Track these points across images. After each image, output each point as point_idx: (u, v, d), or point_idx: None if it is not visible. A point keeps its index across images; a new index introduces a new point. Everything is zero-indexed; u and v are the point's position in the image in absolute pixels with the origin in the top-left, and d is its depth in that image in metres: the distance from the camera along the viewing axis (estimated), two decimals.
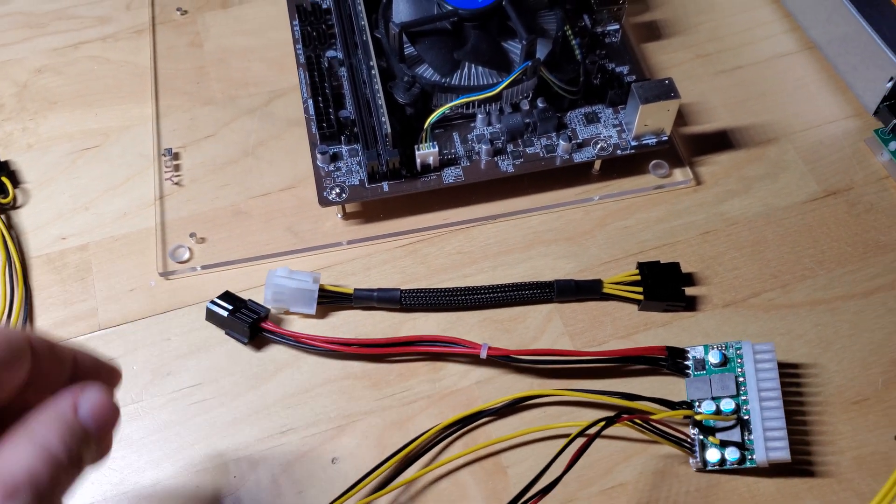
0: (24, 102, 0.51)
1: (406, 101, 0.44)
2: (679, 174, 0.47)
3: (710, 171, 0.48)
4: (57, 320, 0.44)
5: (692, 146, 0.49)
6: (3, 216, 0.46)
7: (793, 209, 0.46)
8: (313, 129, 0.46)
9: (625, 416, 0.36)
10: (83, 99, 0.51)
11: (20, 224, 0.47)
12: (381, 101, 0.43)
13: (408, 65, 0.45)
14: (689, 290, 0.44)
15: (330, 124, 0.45)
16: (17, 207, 0.47)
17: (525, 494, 0.33)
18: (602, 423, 0.35)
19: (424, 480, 0.39)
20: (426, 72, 0.45)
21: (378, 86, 0.44)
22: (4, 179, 0.47)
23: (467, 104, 0.45)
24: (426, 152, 0.44)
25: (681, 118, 0.49)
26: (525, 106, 0.46)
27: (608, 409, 0.40)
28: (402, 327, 0.43)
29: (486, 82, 0.45)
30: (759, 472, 0.38)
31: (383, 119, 0.43)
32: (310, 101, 0.47)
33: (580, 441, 0.35)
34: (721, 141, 0.49)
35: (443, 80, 0.45)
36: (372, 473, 0.38)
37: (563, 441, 0.36)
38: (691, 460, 0.39)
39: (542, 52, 0.45)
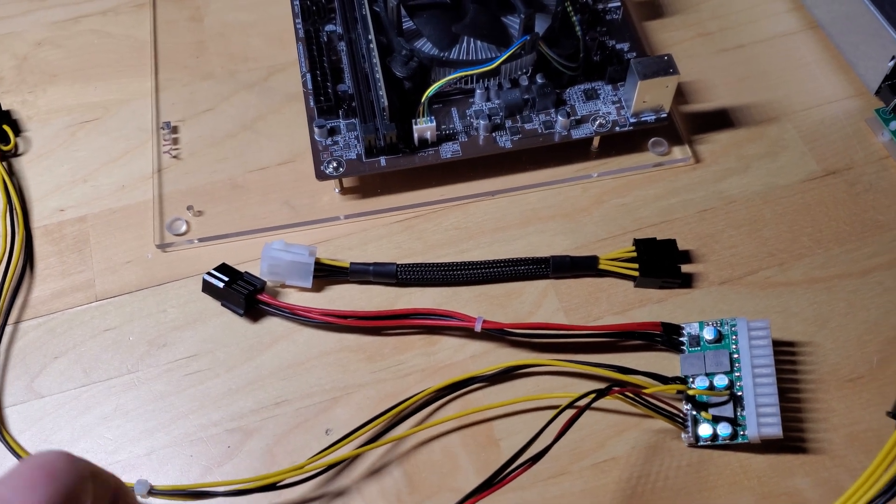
0: (24, 75, 0.51)
1: (404, 74, 0.44)
2: (678, 152, 0.47)
3: (709, 150, 0.48)
4: (55, 291, 0.44)
5: (692, 124, 0.48)
6: (4, 163, 0.47)
7: (792, 188, 0.46)
8: (311, 104, 0.46)
9: (616, 388, 0.36)
10: (83, 72, 0.51)
11: (20, 172, 0.47)
12: (379, 75, 0.43)
13: (406, 39, 0.45)
14: (685, 268, 0.44)
15: (328, 98, 0.45)
16: (19, 155, 0.48)
17: (514, 462, 0.33)
18: (593, 395, 0.35)
19: (414, 441, 0.39)
20: (424, 46, 0.45)
21: (376, 60, 0.44)
22: (6, 127, 0.48)
23: (466, 79, 0.45)
24: (424, 127, 0.44)
25: (681, 96, 0.49)
26: (524, 82, 0.46)
27: (601, 382, 0.40)
28: (398, 302, 0.43)
29: (484, 57, 0.44)
30: (751, 447, 0.38)
31: (381, 93, 0.43)
32: (308, 75, 0.47)
33: (570, 413, 0.35)
34: (721, 119, 0.49)
35: (441, 55, 0.44)
36: (361, 429, 0.38)
37: (555, 412, 0.36)
38: (683, 435, 0.39)
39: (541, 27, 0.45)
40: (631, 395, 0.37)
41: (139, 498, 0.36)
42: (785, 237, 0.45)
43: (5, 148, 0.48)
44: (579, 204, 0.46)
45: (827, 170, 0.47)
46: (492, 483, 0.33)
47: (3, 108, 0.49)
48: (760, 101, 0.49)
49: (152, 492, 0.36)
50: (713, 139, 0.48)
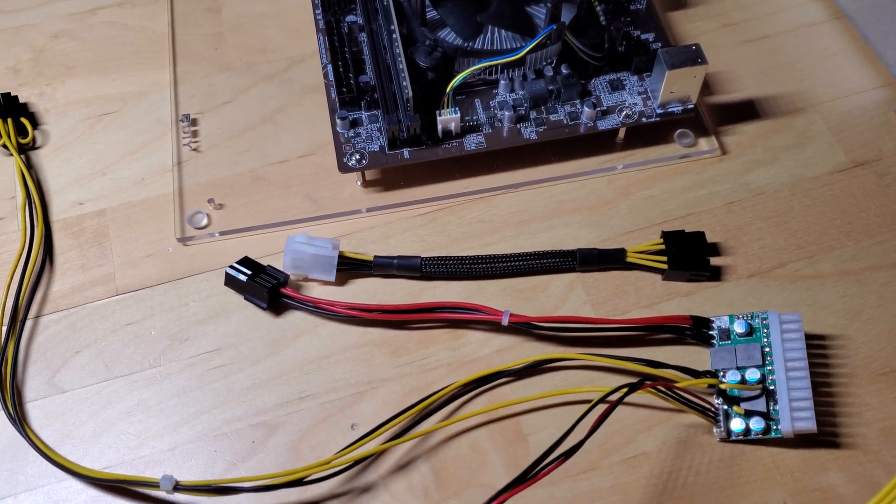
0: (41, 67, 0.51)
1: (427, 65, 0.43)
2: (704, 143, 0.46)
3: (735, 141, 0.47)
4: (75, 285, 0.43)
5: (718, 116, 0.48)
6: (23, 156, 0.47)
7: (820, 180, 0.45)
8: (332, 95, 0.46)
9: (648, 382, 0.36)
10: (100, 65, 0.51)
11: (38, 165, 0.47)
12: (403, 66, 0.43)
13: (429, 28, 0.44)
14: (713, 261, 0.43)
15: (350, 89, 0.45)
16: (37, 148, 0.48)
17: (546, 458, 0.32)
18: (625, 390, 0.35)
19: (441, 436, 0.39)
20: (448, 35, 0.44)
21: (399, 50, 0.43)
22: (24, 120, 0.48)
23: (490, 70, 0.45)
24: (448, 118, 0.43)
25: (706, 87, 0.49)
26: (549, 72, 0.45)
27: (631, 376, 0.39)
28: (422, 296, 0.43)
29: (509, 46, 0.44)
30: (783, 442, 0.38)
31: (404, 83, 0.42)
32: (329, 66, 0.46)
33: (602, 407, 0.34)
34: (747, 111, 0.48)
35: (465, 44, 0.44)
36: (387, 424, 0.37)
37: (585, 407, 0.35)
38: (715, 430, 0.38)
39: (566, 16, 0.44)
40: (663, 388, 0.37)
41: (164, 494, 0.36)
42: (814, 229, 0.44)
43: (23, 141, 0.47)
44: (605, 196, 0.45)
45: (855, 161, 0.46)
46: (525, 479, 0.32)
47: (21, 101, 0.49)
48: (786, 92, 0.49)
49: (178, 487, 0.35)
50: (739, 131, 0.47)
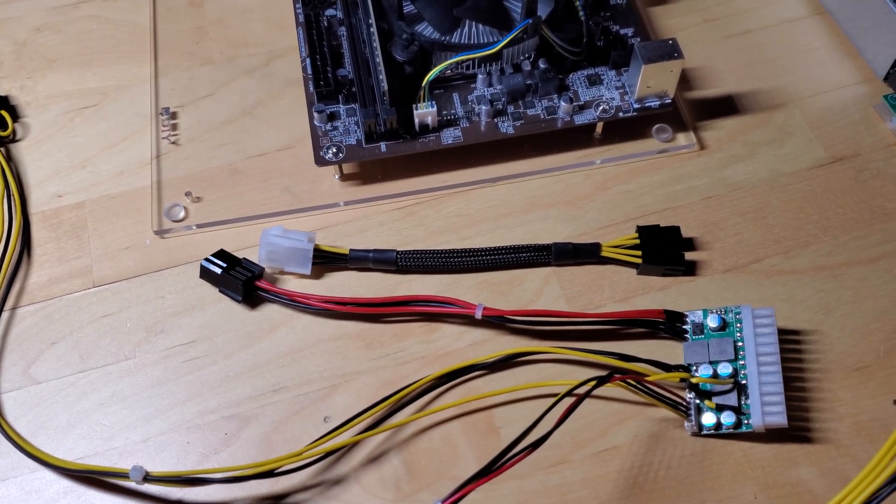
0: (23, 61, 0.51)
1: (405, 58, 0.43)
2: (682, 138, 0.46)
3: (714, 136, 0.47)
4: (52, 277, 0.44)
5: (697, 111, 0.48)
6: (2, 149, 0.47)
7: (798, 175, 0.45)
8: (311, 88, 0.46)
9: (618, 375, 0.36)
10: (82, 58, 0.51)
11: (18, 158, 0.47)
12: (380, 59, 0.43)
13: (407, 22, 0.44)
14: (689, 255, 0.43)
15: (328, 83, 0.45)
16: (17, 141, 0.48)
17: (513, 449, 0.32)
18: (594, 382, 0.35)
19: (414, 428, 0.39)
20: (426, 30, 0.44)
21: (377, 44, 0.43)
22: (4, 113, 0.48)
23: (467, 64, 0.45)
24: (424, 112, 0.43)
25: (686, 82, 0.49)
26: (526, 66, 0.45)
27: (603, 369, 0.39)
28: (398, 289, 0.43)
29: (486, 41, 0.44)
30: (755, 437, 0.38)
31: (381, 77, 0.43)
32: (308, 60, 0.46)
33: (570, 400, 0.34)
34: (726, 106, 0.48)
35: (442, 38, 0.44)
36: (360, 416, 0.37)
37: (555, 399, 0.35)
38: (686, 424, 0.38)
39: (543, 10, 0.44)
40: (633, 382, 0.37)
41: (134, 484, 0.36)
42: (791, 224, 0.44)
43: (3, 133, 0.47)
44: (582, 191, 0.45)
45: (834, 156, 0.46)
46: (490, 469, 0.32)
47: (2, 94, 0.49)
48: (767, 88, 0.49)
49: (147, 478, 0.35)
50: (718, 126, 0.47)
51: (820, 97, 0.48)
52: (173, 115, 0.48)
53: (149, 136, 0.48)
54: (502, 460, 0.33)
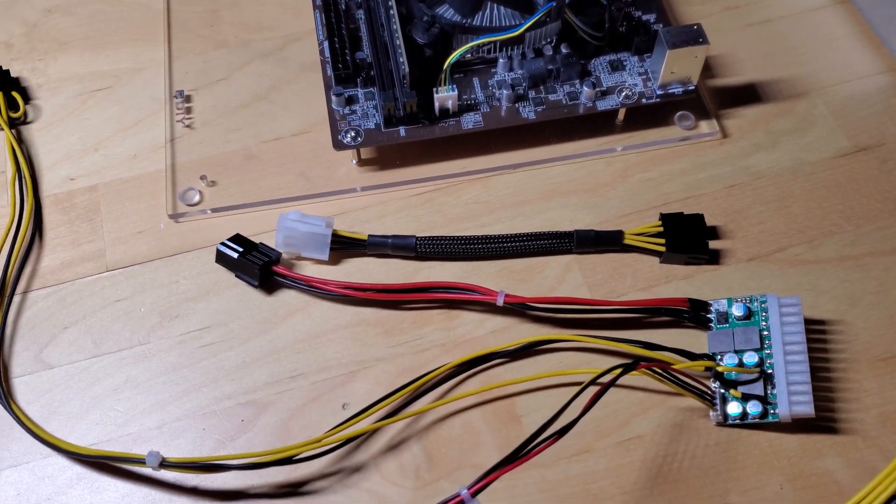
0: (34, 43, 0.50)
1: (425, 41, 0.43)
2: (705, 126, 0.46)
3: (736, 125, 0.46)
4: (65, 260, 0.43)
5: (719, 99, 0.47)
6: (13, 130, 0.46)
7: (821, 164, 0.45)
8: (328, 72, 0.45)
9: (643, 363, 0.35)
10: (94, 40, 0.50)
11: (30, 140, 0.46)
12: (400, 41, 0.42)
13: (427, 4, 0.44)
14: (712, 244, 0.42)
15: (346, 66, 0.44)
16: (28, 123, 0.47)
17: (537, 438, 0.32)
18: (620, 370, 0.34)
19: (434, 416, 0.38)
20: (447, 12, 0.43)
21: (396, 26, 0.43)
22: (16, 95, 0.47)
23: (488, 48, 0.44)
24: (445, 95, 0.42)
25: (707, 70, 0.48)
26: (548, 51, 0.45)
27: (626, 358, 0.38)
28: (417, 276, 0.42)
29: (508, 24, 0.43)
30: (781, 427, 0.37)
31: (401, 59, 0.42)
32: (325, 43, 0.46)
33: (595, 388, 0.34)
34: (748, 94, 0.47)
35: (463, 21, 0.43)
36: (379, 403, 0.37)
37: (581, 387, 0.35)
38: (711, 413, 0.37)
39: None
40: (658, 370, 0.36)
41: (150, 471, 0.35)
42: (815, 214, 0.43)
43: (14, 115, 0.47)
44: (603, 178, 0.45)
45: (857, 146, 0.45)
46: (517, 457, 0.31)
47: (13, 76, 0.48)
48: (788, 77, 0.48)
49: (164, 464, 0.34)
50: (740, 114, 0.47)
51: (843, 86, 0.48)
52: (187, 99, 0.47)
53: (163, 119, 0.47)
54: (528, 447, 0.32)
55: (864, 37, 0.49)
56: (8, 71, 0.48)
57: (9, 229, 0.43)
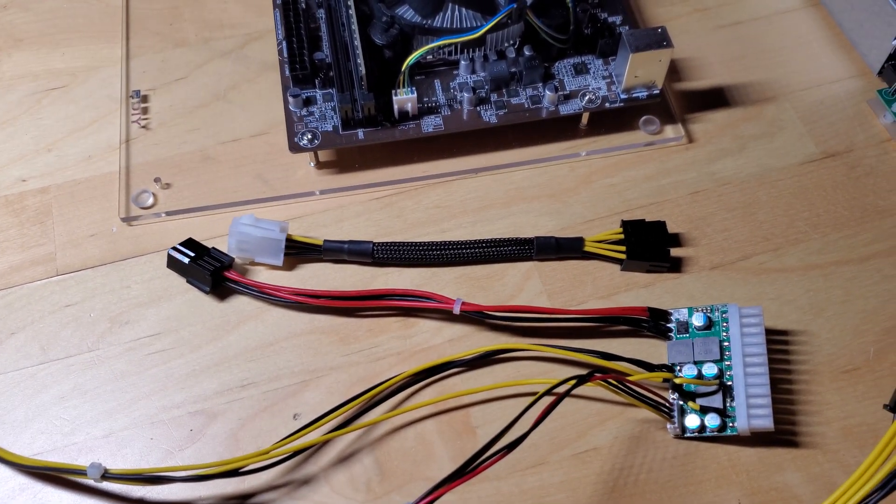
0: None
1: (384, 42, 0.42)
2: (670, 131, 0.45)
3: (703, 129, 0.45)
4: (13, 264, 0.42)
5: (685, 103, 0.46)
6: None
7: (788, 170, 0.44)
8: (286, 72, 0.44)
9: (598, 375, 0.34)
10: (50, 37, 0.49)
11: None
12: (358, 42, 0.41)
13: (387, 5, 0.43)
14: (675, 252, 0.42)
15: (304, 66, 0.43)
16: None
17: (488, 450, 0.31)
18: (574, 381, 0.33)
19: (387, 427, 0.37)
20: (406, 12, 0.43)
21: (356, 26, 0.42)
22: None
23: (450, 49, 0.43)
24: (404, 98, 0.41)
25: (675, 73, 0.47)
26: (511, 54, 0.44)
27: (584, 368, 0.38)
28: (374, 283, 0.41)
29: (469, 25, 0.42)
30: (740, 440, 0.37)
31: (359, 61, 0.41)
32: (284, 43, 0.45)
33: (550, 399, 0.33)
34: (716, 98, 0.47)
35: (424, 22, 0.42)
36: (331, 413, 0.36)
37: (533, 398, 0.34)
38: (669, 426, 0.37)
39: None
40: (614, 381, 0.35)
41: (93, 482, 0.34)
42: (780, 221, 0.43)
43: None
44: (566, 184, 0.44)
45: (826, 152, 0.45)
46: (464, 471, 0.31)
47: None
48: (758, 80, 0.47)
49: (106, 475, 0.33)
50: (707, 118, 0.46)
51: (812, 91, 0.47)
52: (144, 99, 0.46)
53: (118, 119, 0.46)
54: (477, 462, 0.31)
55: (834, 40, 0.49)
56: None
57: None
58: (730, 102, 0.46)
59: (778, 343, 0.39)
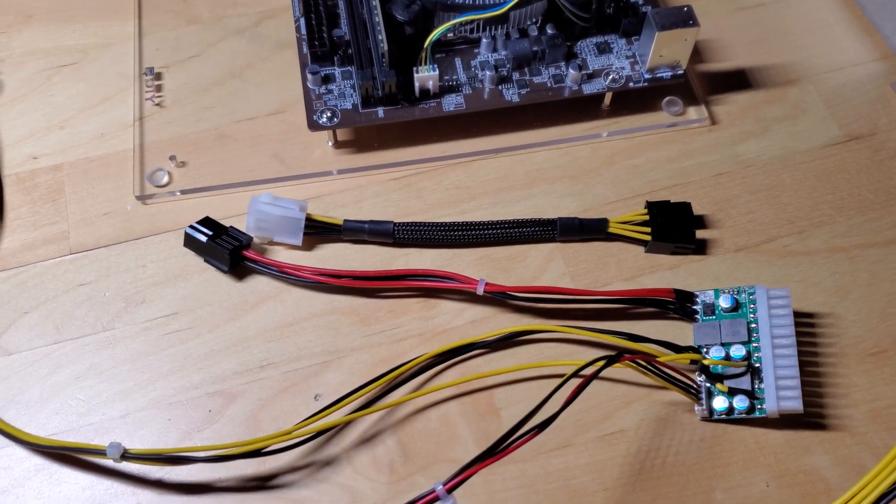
0: None
1: (405, 18, 0.41)
2: (693, 112, 0.44)
3: (725, 111, 0.45)
4: (25, 243, 0.41)
5: (708, 85, 0.46)
6: None
7: (812, 153, 0.44)
8: (304, 49, 0.43)
9: (627, 355, 0.34)
10: (61, 13, 0.48)
11: None
12: (379, 18, 0.40)
13: None
14: (699, 234, 0.41)
15: (322, 43, 0.42)
16: None
17: (517, 431, 0.30)
18: (603, 362, 0.33)
19: (410, 408, 0.37)
20: None
21: (375, 2, 0.41)
22: None
23: (471, 26, 0.42)
24: (425, 76, 0.41)
25: (697, 55, 0.47)
26: (533, 32, 0.43)
27: (609, 350, 0.37)
28: (394, 264, 0.41)
29: (492, 1, 0.42)
30: (767, 422, 0.36)
31: (380, 37, 0.40)
32: (302, 19, 0.44)
33: (578, 381, 0.32)
34: (739, 80, 0.46)
35: None
36: (353, 394, 0.35)
37: (562, 379, 0.33)
38: (697, 408, 0.36)
39: None
40: (643, 363, 0.35)
41: (112, 462, 0.34)
42: (805, 204, 0.42)
43: None
44: (588, 165, 0.43)
45: (849, 135, 0.44)
46: (494, 451, 0.30)
47: None
48: (780, 63, 0.47)
49: (126, 455, 0.33)
50: (730, 100, 0.45)
51: (835, 74, 0.46)
52: (158, 76, 0.46)
53: (131, 97, 0.45)
54: (507, 442, 0.31)
55: (857, 23, 0.48)
56: None
57: None
58: (752, 85, 0.46)
59: (804, 326, 0.39)
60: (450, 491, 0.29)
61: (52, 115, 0.45)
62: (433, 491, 0.29)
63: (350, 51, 0.42)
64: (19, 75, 0.46)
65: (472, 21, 0.41)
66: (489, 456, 0.30)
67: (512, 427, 0.31)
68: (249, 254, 0.39)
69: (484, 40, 0.43)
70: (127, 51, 0.47)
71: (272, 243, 0.41)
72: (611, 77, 0.43)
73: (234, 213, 0.41)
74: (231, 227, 0.40)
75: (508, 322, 0.39)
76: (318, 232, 0.41)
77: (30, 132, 0.44)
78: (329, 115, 0.42)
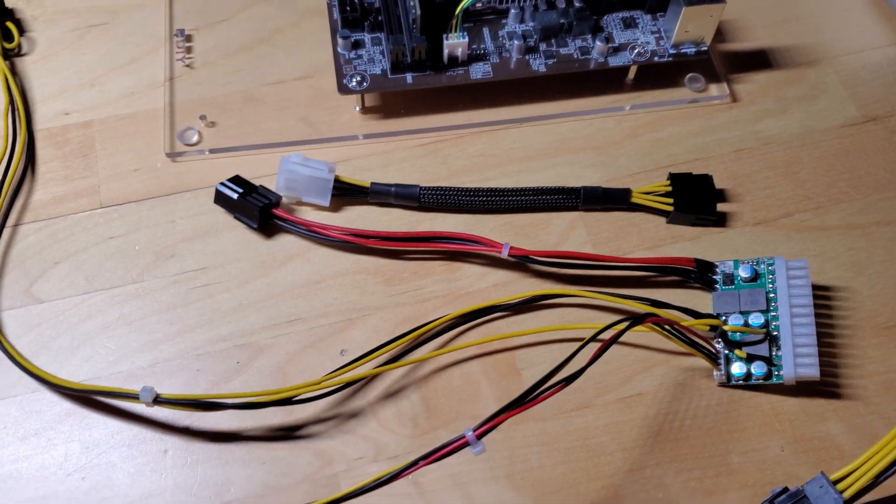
0: None
1: None
2: (714, 89, 0.45)
3: (746, 89, 0.46)
4: (56, 195, 0.42)
5: (729, 63, 0.47)
6: (7, 62, 0.45)
7: (830, 132, 0.44)
8: (335, 14, 0.44)
9: (651, 318, 0.34)
10: None
11: (23, 73, 0.45)
12: None
13: None
14: (719, 207, 0.42)
15: (353, 8, 0.43)
16: (23, 55, 0.46)
17: (544, 384, 0.31)
18: (627, 324, 0.33)
19: (433, 365, 0.37)
20: None
21: None
22: (10, 25, 0.45)
23: None
24: (455, 42, 0.41)
25: (719, 35, 0.47)
26: (561, 4, 0.44)
27: (630, 316, 0.38)
28: (419, 227, 0.41)
29: None
30: (784, 390, 0.37)
31: (412, 2, 0.41)
32: None
33: (598, 344, 0.33)
34: (759, 60, 0.47)
35: None
36: (378, 350, 0.36)
37: (580, 344, 0.34)
38: (715, 373, 0.37)
39: None
40: (668, 326, 0.36)
41: (143, 406, 0.34)
42: (822, 181, 0.43)
43: (9, 46, 0.45)
44: (612, 136, 0.44)
45: (867, 116, 0.45)
46: (523, 401, 0.31)
47: (7, 6, 0.46)
48: (800, 44, 0.47)
49: (158, 400, 0.33)
50: (751, 79, 0.46)
51: (854, 56, 0.47)
52: (188, 38, 0.46)
53: (161, 57, 0.45)
54: (535, 393, 0.31)
55: (877, 7, 0.49)
56: (3, 1, 0.46)
57: (0, 160, 0.41)
58: (772, 65, 0.47)
59: (820, 298, 0.40)
60: (479, 437, 0.30)
61: (83, 73, 0.45)
62: (463, 437, 0.30)
63: (380, 17, 0.43)
64: (51, 33, 0.46)
65: None
66: (518, 405, 0.31)
67: (540, 379, 0.32)
68: (279, 212, 0.40)
69: (512, 11, 0.44)
70: (157, 13, 0.47)
71: (300, 203, 0.41)
72: (636, 51, 0.43)
73: (262, 173, 0.42)
74: (261, 185, 0.41)
75: (531, 286, 0.40)
76: (345, 193, 0.41)
77: (61, 89, 0.45)
78: (359, 79, 0.42)
